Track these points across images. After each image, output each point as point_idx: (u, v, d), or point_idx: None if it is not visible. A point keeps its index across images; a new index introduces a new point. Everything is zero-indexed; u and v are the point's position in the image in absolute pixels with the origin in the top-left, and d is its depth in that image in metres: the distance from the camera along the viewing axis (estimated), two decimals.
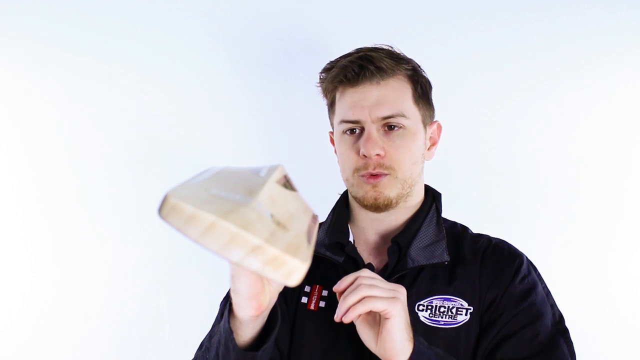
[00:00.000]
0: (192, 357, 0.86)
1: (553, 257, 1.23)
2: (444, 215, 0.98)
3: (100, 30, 1.25)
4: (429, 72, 1.26)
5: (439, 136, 0.98)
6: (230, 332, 0.70)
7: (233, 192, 0.55)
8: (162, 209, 0.49)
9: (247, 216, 0.51)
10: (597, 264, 1.23)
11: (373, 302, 0.70)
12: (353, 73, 0.88)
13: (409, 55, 0.95)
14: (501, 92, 1.25)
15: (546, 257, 1.24)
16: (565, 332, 0.86)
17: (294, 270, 0.51)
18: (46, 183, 1.23)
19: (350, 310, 0.71)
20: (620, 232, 1.24)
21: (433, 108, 0.97)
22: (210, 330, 0.85)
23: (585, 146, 1.25)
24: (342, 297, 0.73)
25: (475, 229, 1.02)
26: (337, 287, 0.74)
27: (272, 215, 0.54)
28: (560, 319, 0.87)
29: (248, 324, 0.69)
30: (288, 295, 0.90)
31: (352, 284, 0.73)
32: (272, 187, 0.60)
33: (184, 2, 1.26)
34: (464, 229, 0.97)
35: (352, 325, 0.78)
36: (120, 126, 1.25)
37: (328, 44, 1.23)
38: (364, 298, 0.70)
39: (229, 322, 0.70)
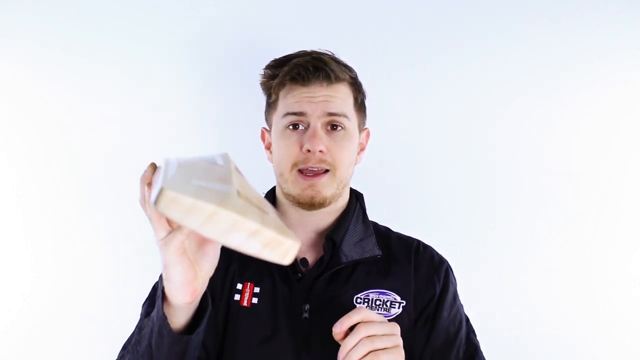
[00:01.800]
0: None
1: (553, 257, 1.24)
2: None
3: (100, 30, 1.24)
4: (429, 72, 1.26)
5: (366, 142, 1.02)
6: (164, 319, 0.72)
7: (211, 182, 0.57)
8: (159, 202, 0.51)
9: (239, 203, 0.54)
10: (597, 264, 1.24)
11: (379, 356, 0.72)
12: (307, 72, 0.90)
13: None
14: (501, 92, 1.25)
15: (546, 257, 1.24)
16: (472, 329, 0.95)
17: (290, 249, 0.54)
18: (46, 183, 1.23)
19: None
20: (620, 232, 1.24)
21: (366, 115, 1.00)
22: (137, 325, 0.84)
23: (585, 146, 1.25)
24: (344, 349, 0.73)
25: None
26: (337, 329, 0.75)
27: (251, 201, 0.57)
28: (466, 317, 0.96)
29: (182, 310, 0.72)
30: (216, 295, 0.91)
31: (351, 328, 0.74)
32: (235, 175, 0.62)
33: (185, 2, 1.26)
34: (387, 228, 1.02)
35: (291, 319, 0.86)
36: (120, 126, 1.25)
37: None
38: (369, 352, 0.72)
39: (162, 310, 0.72)
